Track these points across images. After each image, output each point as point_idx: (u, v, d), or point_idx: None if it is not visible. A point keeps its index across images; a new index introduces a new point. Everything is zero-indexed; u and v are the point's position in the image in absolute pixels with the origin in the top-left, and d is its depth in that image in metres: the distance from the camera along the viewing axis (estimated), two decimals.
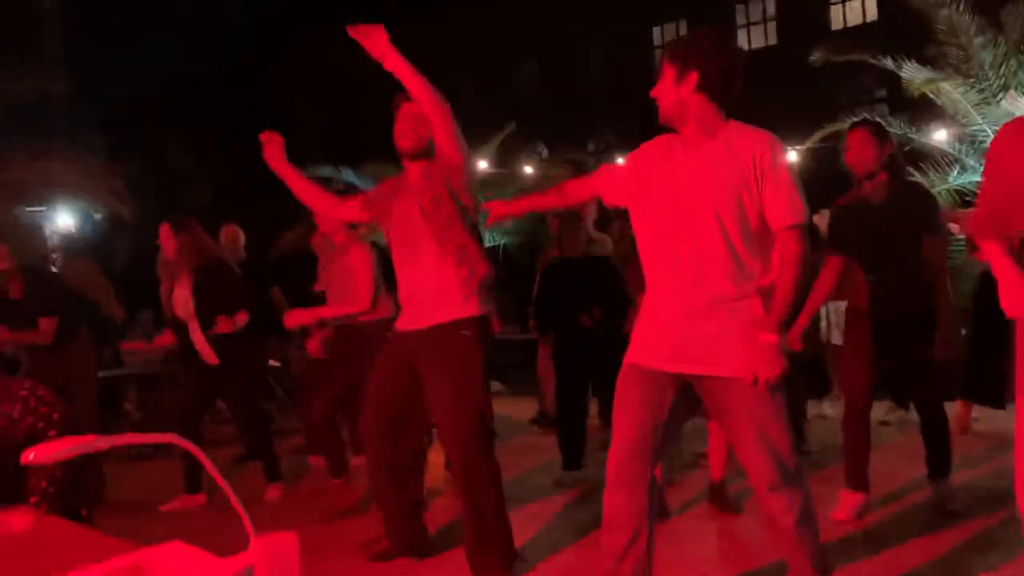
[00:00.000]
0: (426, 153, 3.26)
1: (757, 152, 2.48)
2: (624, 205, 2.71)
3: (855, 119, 9.55)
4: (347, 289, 4.53)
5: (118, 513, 4.49)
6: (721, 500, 4.26)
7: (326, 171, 14.24)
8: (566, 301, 5.00)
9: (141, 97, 28.92)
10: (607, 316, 4.84)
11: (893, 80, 9.34)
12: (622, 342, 4.79)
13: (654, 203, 2.59)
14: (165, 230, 5.13)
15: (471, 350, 3.19)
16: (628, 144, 11.11)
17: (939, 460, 4.05)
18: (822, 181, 9.89)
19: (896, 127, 9.28)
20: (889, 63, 9.15)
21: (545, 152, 14.49)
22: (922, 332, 3.94)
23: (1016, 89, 8.73)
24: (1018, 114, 8.74)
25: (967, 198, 8.64)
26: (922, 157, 9.24)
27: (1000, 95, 8.76)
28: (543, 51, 20.99)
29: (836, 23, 19.15)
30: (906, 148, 9.44)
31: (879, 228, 3.94)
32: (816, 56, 9.80)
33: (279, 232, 12.92)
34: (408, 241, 3.25)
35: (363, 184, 13.29)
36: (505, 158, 14.50)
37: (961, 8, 9.05)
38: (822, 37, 12.91)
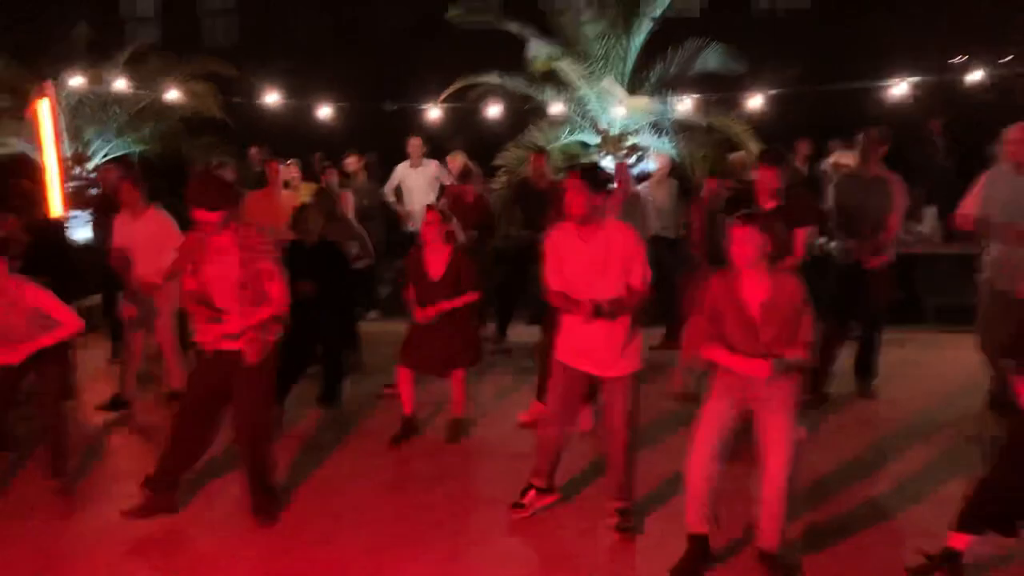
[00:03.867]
0: (227, 220, 4.04)
1: (626, 242, 3.99)
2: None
3: (488, 74, 10.48)
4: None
5: None
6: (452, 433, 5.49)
7: None
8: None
9: None
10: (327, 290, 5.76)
11: (519, 44, 10.25)
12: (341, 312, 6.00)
13: (572, 270, 4.05)
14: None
15: (269, 361, 4.26)
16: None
17: None
18: (455, 130, 10.75)
19: (519, 87, 10.29)
20: (514, 29, 10.07)
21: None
22: None
23: (614, 59, 10.10)
24: (616, 92, 10.13)
25: (573, 154, 9.89)
26: (540, 116, 10.35)
27: (603, 69, 10.07)
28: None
29: None
30: (526, 108, 10.56)
31: None
32: (451, 14, 10.49)
33: None
34: (226, 285, 4.11)
35: None
36: None
37: None
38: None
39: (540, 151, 8.18)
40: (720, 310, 3.68)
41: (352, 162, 9.64)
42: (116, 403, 6.11)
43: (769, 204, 5.12)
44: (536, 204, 7.04)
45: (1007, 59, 11.88)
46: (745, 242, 3.53)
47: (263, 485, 4.41)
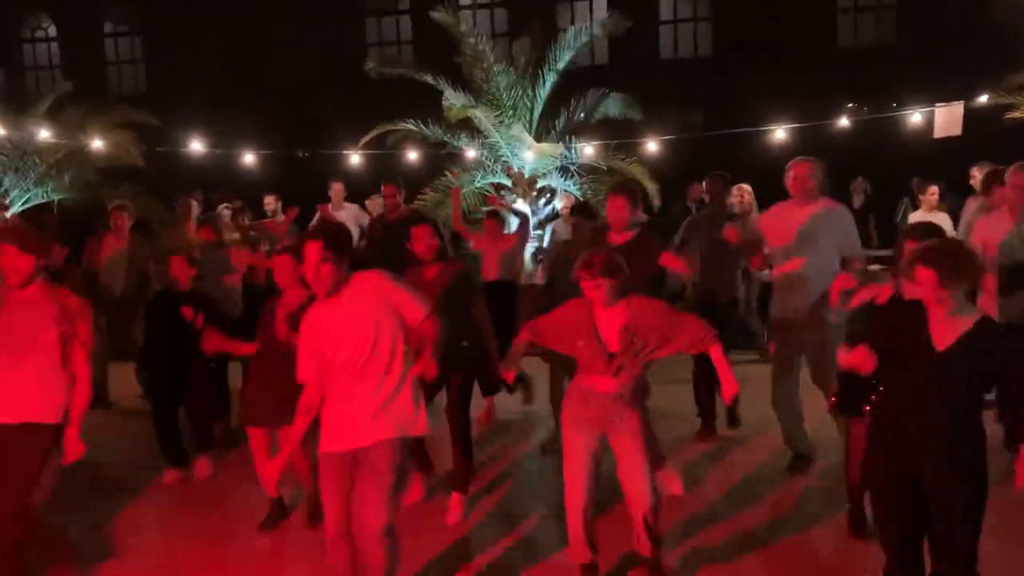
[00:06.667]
0: (29, 280, 3.63)
1: (374, 286, 3.38)
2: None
3: (406, 122, 11.08)
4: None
5: None
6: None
7: None
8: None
9: None
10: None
11: (434, 92, 10.89)
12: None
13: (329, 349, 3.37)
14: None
15: (45, 446, 3.66)
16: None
17: None
18: (374, 177, 11.23)
19: (436, 133, 10.93)
20: (429, 79, 10.73)
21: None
22: None
23: (522, 109, 10.86)
24: (524, 138, 10.84)
25: (486, 193, 10.52)
26: (456, 160, 11.00)
27: (512, 117, 10.80)
28: None
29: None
30: (443, 152, 11.20)
31: None
32: (370, 67, 11.10)
33: None
34: (17, 348, 3.61)
35: None
36: None
37: (483, 38, 10.99)
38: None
39: (388, 181, 6.94)
40: (572, 332, 3.73)
41: (270, 202, 9.93)
42: None
43: (619, 238, 4.74)
44: (389, 241, 6.14)
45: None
46: (597, 288, 3.62)
47: None
